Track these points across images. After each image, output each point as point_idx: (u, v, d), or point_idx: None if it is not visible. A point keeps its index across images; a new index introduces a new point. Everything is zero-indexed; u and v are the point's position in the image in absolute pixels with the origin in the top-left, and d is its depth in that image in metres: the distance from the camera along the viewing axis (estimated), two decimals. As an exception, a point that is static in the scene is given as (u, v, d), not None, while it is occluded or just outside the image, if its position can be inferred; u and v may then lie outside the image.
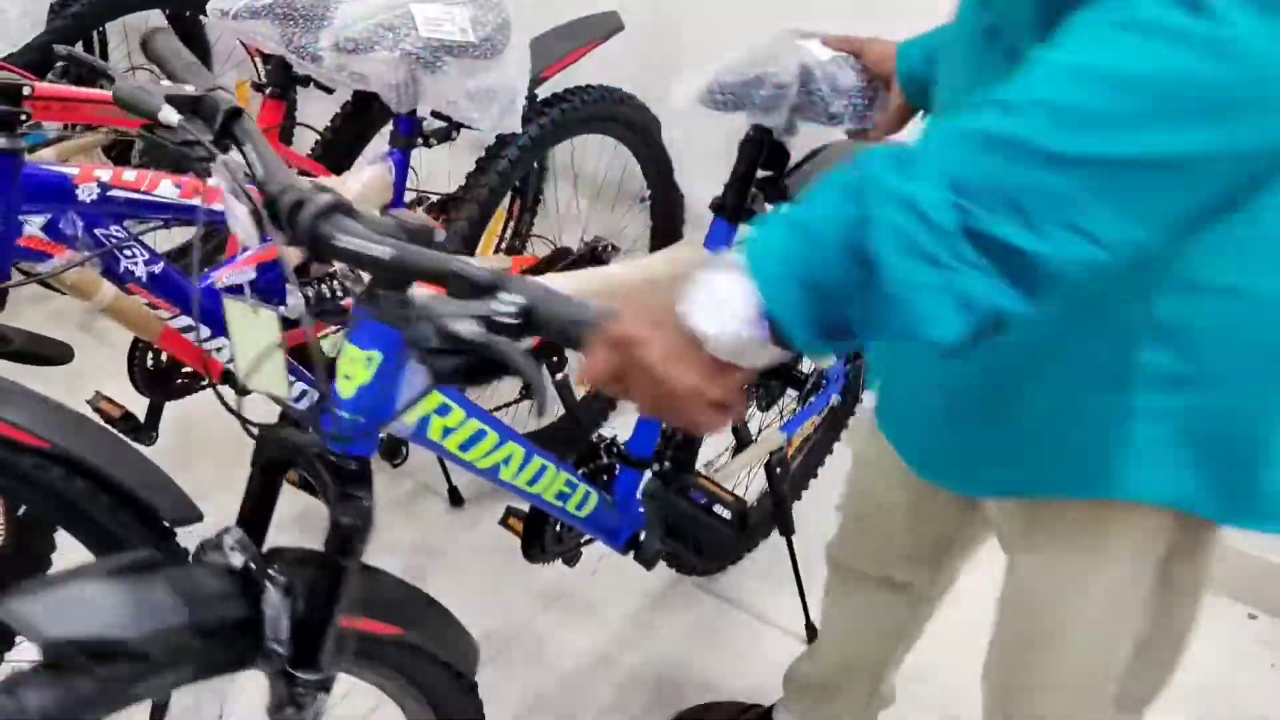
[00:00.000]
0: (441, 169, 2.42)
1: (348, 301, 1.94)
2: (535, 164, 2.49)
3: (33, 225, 1.52)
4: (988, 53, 1.01)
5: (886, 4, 1.79)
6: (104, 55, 3.19)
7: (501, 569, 2.22)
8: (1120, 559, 1.12)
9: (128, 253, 1.57)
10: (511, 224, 2.61)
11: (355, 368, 1.02)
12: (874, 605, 1.58)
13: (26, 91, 1.46)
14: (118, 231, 1.56)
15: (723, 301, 0.78)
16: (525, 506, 1.76)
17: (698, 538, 1.91)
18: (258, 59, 2.29)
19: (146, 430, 2.03)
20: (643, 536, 1.82)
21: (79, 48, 3.03)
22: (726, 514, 1.88)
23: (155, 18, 2.66)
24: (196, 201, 1.65)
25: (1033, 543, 1.20)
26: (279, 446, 1.13)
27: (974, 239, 0.74)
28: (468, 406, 1.44)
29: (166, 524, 1.42)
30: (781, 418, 2.14)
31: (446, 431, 1.44)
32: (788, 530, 2.08)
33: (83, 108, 2.03)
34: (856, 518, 1.54)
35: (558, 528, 1.82)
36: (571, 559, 1.92)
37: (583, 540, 1.89)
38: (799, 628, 2.16)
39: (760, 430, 2.11)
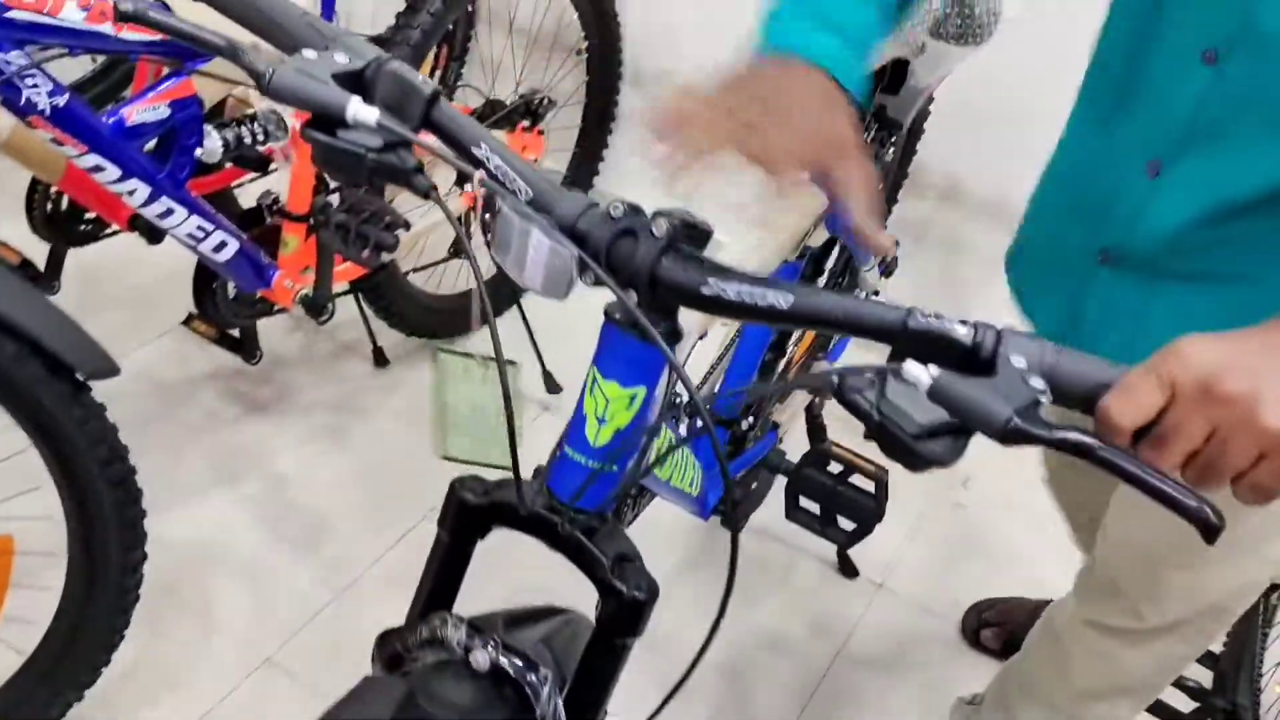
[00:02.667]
0: (363, 9, 2.27)
1: (269, 147, 1.81)
2: (467, 7, 2.35)
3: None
4: None
5: None
6: None
7: (421, 439, 2.18)
8: None
9: (29, 81, 1.43)
10: (438, 72, 2.47)
11: (615, 409, 0.85)
12: None
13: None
14: (19, 58, 1.41)
15: None
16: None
17: (833, 512, 1.73)
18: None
19: (47, 279, 1.89)
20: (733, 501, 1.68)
21: None
22: (867, 484, 1.70)
23: None
24: (105, 28, 1.50)
25: None
26: (483, 502, 0.93)
27: None
28: None
29: (80, 378, 1.33)
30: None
31: None
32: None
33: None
34: None
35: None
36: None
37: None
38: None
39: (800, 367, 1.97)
